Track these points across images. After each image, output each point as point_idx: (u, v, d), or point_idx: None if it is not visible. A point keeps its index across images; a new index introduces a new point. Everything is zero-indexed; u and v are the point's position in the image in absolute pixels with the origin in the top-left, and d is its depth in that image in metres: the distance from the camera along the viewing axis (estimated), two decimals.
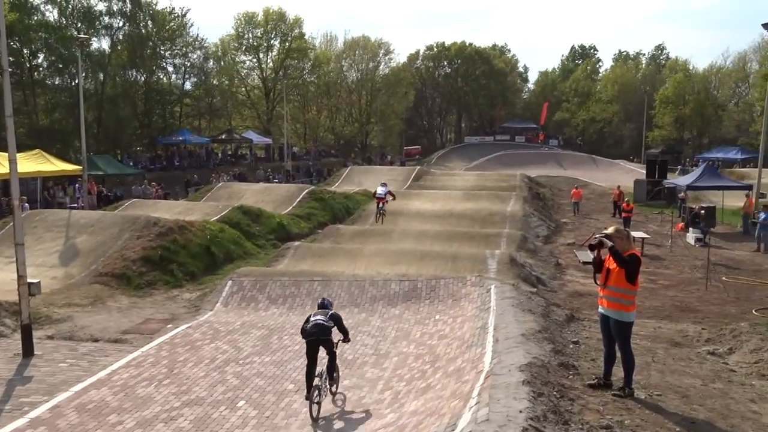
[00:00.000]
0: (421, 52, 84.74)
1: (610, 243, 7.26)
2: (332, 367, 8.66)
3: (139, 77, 48.93)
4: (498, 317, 10.93)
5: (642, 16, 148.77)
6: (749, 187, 28.29)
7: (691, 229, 23.90)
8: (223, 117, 59.77)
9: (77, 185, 31.09)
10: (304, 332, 8.60)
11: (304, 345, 8.69)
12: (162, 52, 50.27)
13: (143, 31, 47.61)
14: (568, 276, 17.72)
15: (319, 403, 8.20)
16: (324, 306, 8.98)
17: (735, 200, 28.66)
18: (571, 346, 9.98)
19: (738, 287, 16.51)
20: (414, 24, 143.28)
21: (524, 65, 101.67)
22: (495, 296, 12.46)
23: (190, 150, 50.20)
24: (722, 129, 70.92)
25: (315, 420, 8.13)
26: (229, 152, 54.19)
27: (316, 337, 8.46)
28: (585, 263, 18.12)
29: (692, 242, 23.03)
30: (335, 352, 8.69)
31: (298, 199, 28.18)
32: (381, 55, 70.97)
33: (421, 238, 20.81)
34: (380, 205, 23.62)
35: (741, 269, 18.93)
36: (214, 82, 55.88)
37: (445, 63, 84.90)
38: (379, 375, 9.84)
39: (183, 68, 52.56)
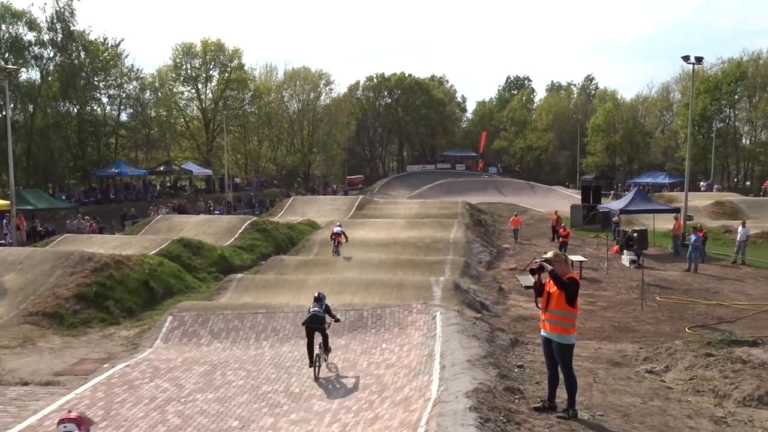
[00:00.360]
0: (361, 83, 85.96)
1: (550, 267, 7.44)
2: (326, 343, 11.40)
3: (72, 108, 47.57)
4: (444, 344, 10.99)
5: (571, 49, 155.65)
6: (677, 210, 29.70)
7: (625, 251, 24.73)
8: (161, 148, 58.63)
9: (5, 221, 29.70)
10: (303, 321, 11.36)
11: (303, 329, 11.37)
12: (96, 82, 49.12)
13: (76, 61, 46.37)
14: (511, 300, 18.01)
15: (319, 367, 11.01)
16: (319, 299, 11.49)
17: (665, 223, 29.95)
18: (516, 370, 10.11)
19: (671, 306, 17.17)
20: (352, 55, 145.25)
21: (462, 95, 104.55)
22: (440, 323, 12.53)
23: (127, 182, 48.82)
24: (650, 155, 74.52)
25: (316, 379, 10.86)
26: (168, 184, 52.98)
27: (314, 325, 11.09)
28: (527, 287, 18.51)
29: (627, 264, 23.85)
30: (327, 333, 11.41)
31: (240, 231, 27.74)
32: (322, 85, 71.58)
33: (366, 266, 20.81)
34: (336, 242, 23.72)
35: (673, 289, 19.71)
36: (151, 113, 54.79)
37: (386, 93, 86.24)
38: (326, 407, 9.69)
39: (118, 99, 51.63)
